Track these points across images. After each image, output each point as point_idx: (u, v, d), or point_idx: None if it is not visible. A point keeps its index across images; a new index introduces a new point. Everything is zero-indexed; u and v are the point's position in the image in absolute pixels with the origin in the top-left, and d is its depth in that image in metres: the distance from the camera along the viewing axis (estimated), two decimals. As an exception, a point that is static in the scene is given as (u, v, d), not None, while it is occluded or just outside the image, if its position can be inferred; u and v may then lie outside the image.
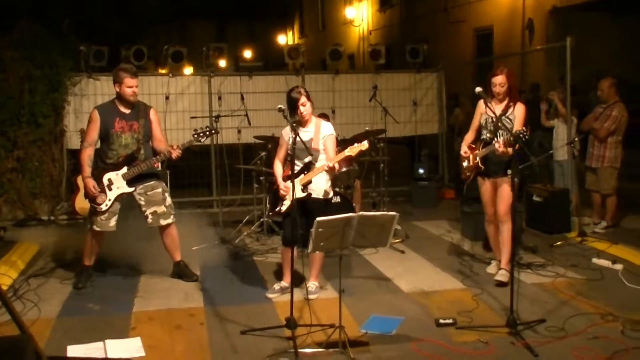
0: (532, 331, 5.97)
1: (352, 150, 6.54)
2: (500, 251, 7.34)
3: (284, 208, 6.62)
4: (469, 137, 7.36)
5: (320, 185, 6.71)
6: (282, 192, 6.64)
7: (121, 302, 6.97)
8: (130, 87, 7.20)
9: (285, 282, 6.78)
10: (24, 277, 7.82)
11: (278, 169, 6.84)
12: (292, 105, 6.56)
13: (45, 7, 14.34)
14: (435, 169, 13.11)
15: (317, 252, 5.78)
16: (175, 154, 7.12)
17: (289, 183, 6.48)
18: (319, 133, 6.69)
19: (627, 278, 7.35)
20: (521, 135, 6.20)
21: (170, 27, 24.88)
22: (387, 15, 27.23)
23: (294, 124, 6.24)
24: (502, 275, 7.08)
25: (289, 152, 6.51)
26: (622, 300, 6.75)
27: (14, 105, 10.70)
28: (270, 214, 6.80)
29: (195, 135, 7.17)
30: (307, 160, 6.63)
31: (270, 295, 6.83)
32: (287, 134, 6.66)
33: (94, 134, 7.26)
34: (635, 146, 10.77)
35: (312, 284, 6.92)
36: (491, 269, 7.56)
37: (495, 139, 6.78)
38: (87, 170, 7.18)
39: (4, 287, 7.18)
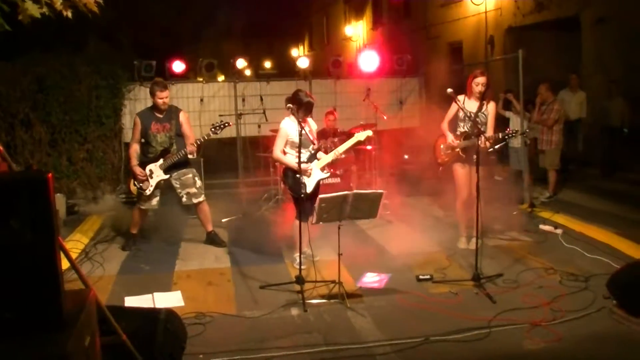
0: (492, 283, 6.00)
1: (361, 136, 6.55)
2: (468, 227, 7.12)
3: (309, 190, 6.42)
4: (445, 125, 7.13)
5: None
6: (308, 173, 6.41)
7: (166, 263, 7.03)
8: (161, 98, 7.30)
9: (306, 249, 6.48)
10: (93, 243, 7.92)
11: (285, 157, 6.53)
12: (307, 107, 6.40)
13: (109, 30, 14.32)
14: (417, 154, 13.00)
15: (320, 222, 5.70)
16: (190, 150, 7.19)
17: (306, 165, 6.40)
18: (312, 128, 6.63)
19: (565, 240, 7.39)
20: (507, 137, 6.59)
21: (205, 44, 24.80)
22: (378, 32, 27.05)
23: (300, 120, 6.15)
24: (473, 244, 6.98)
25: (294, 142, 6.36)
26: (561, 257, 6.80)
27: (84, 109, 10.70)
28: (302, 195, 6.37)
29: (213, 129, 7.18)
30: (312, 149, 6.54)
31: (297, 266, 6.34)
32: (289, 127, 6.46)
33: (137, 134, 7.42)
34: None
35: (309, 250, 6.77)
36: (462, 244, 7.25)
37: (481, 137, 6.30)
38: (134, 161, 7.38)
39: (78, 251, 7.38)
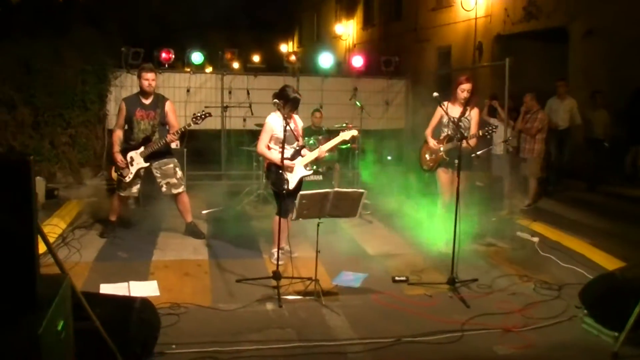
0: (466, 288, 6.06)
1: (346, 135, 6.56)
2: (447, 231, 7.05)
3: (292, 186, 6.41)
4: (429, 132, 7.29)
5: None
6: (290, 170, 6.40)
7: (143, 252, 7.02)
8: (147, 79, 7.31)
9: (285, 246, 6.59)
10: (71, 229, 7.87)
11: (269, 152, 6.53)
12: (294, 103, 6.37)
13: (97, 16, 14.25)
14: (400, 156, 13.07)
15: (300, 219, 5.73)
16: (170, 139, 7.25)
17: (291, 162, 6.42)
18: (298, 125, 6.64)
19: (541, 248, 7.44)
20: (489, 132, 6.78)
21: (194, 34, 24.68)
22: (368, 32, 27.09)
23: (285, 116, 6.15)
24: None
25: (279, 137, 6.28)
26: (536, 265, 6.88)
27: (70, 93, 10.68)
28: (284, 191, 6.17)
29: (194, 119, 7.14)
30: (297, 145, 6.56)
31: (274, 262, 6.26)
32: (274, 122, 6.45)
33: (122, 119, 7.41)
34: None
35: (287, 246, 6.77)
36: (439, 247, 7.25)
37: (465, 140, 6.37)
38: (117, 147, 7.37)
39: (55, 235, 7.31)
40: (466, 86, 6.99)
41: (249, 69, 12.94)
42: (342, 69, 16.99)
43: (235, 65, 14.22)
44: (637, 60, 12.24)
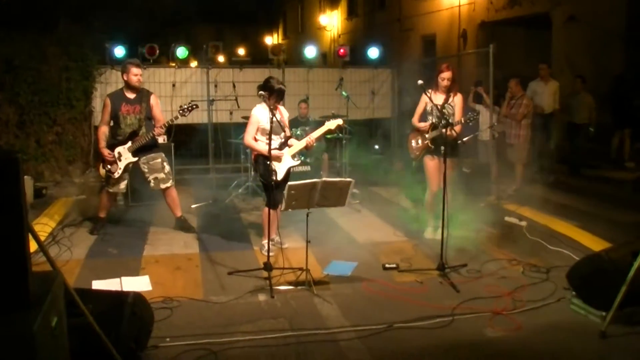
0: (456, 273, 6.10)
1: (332, 124, 6.55)
2: (435, 218, 7.15)
3: (280, 177, 6.39)
4: (415, 120, 7.31)
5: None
6: (277, 160, 6.41)
7: (134, 248, 7.01)
8: (135, 75, 7.28)
9: (275, 237, 6.65)
10: (60, 227, 7.84)
11: (256, 143, 6.50)
12: (279, 94, 6.37)
13: (81, 11, 14.15)
14: (388, 145, 13.12)
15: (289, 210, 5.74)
16: (157, 132, 7.21)
17: (279, 152, 6.43)
18: (283, 115, 6.64)
19: (529, 232, 7.48)
20: (470, 119, 6.86)
21: (179, 29, 24.60)
22: (353, 22, 27.11)
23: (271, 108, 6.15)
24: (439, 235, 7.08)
25: (266, 128, 6.28)
26: (524, 249, 6.92)
27: (54, 91, 10.61)
28: (273, 182, 6.18)
29: (181, 111, 7.13)
30: (283, 136, 6.56)
31: (265, 253, 6.26)
32: (260, 113, 6.45)
33: (107, 115, 7.38)
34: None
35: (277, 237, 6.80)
36: (428, 234, 7.37)
37: (449, 128, 6.41)
38: (102, 142, 7.34)
39: (45, 234, 7.27)
40: (446, 74, 7.04)
41: (234, 62, 12.90)
42: (327, 59, 16.96)
43: (221, 58, 14.15)
44: (618, 46, 12.35)
